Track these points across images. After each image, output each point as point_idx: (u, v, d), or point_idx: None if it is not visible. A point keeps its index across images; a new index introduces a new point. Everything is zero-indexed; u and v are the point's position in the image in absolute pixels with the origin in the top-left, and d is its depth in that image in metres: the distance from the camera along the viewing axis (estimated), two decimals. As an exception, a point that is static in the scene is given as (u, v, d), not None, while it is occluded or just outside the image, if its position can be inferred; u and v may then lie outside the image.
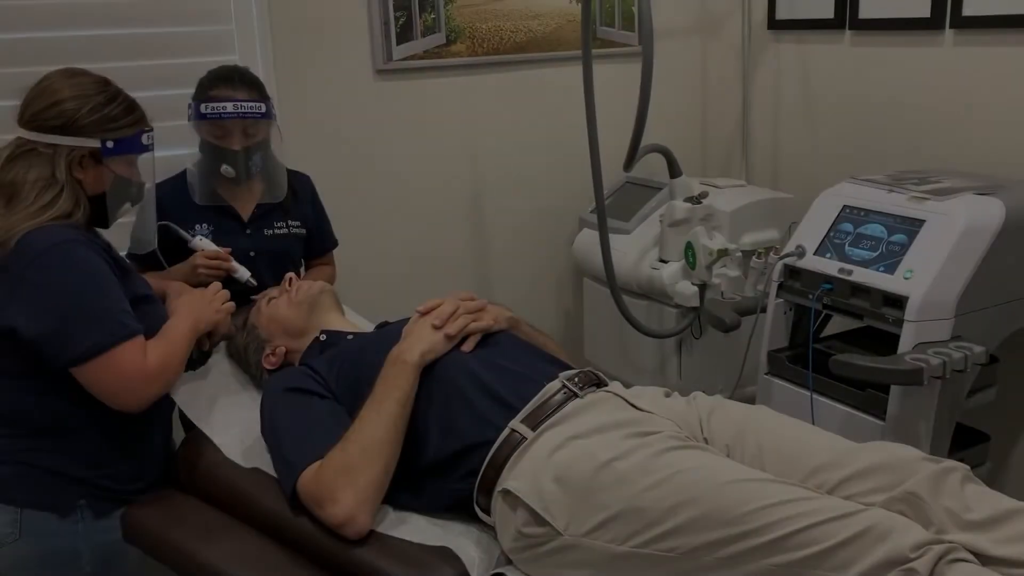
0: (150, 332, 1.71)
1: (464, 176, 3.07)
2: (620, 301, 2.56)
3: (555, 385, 1.58)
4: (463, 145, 3.04)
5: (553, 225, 3.24)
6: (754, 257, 2.38)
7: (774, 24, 3.08)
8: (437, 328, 1.68)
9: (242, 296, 2.11)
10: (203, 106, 2.14)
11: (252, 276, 2.21)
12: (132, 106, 1.76)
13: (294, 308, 1.96)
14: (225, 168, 2.19)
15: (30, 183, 1.65)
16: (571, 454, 1.43)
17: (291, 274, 2.05)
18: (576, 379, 1.60)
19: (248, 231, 2.30)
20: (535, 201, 3.19)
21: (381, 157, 2.92)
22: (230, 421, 1.86)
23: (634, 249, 2.81)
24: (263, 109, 2.19)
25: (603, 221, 2.49)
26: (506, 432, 1.51)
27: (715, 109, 3.37)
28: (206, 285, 2.03)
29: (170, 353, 1.72)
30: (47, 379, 1.65)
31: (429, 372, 1.63)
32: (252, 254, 2.27)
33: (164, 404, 1.85)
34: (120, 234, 1.93)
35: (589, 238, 3.01)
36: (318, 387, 1.72)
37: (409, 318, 1.81)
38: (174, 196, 2.22)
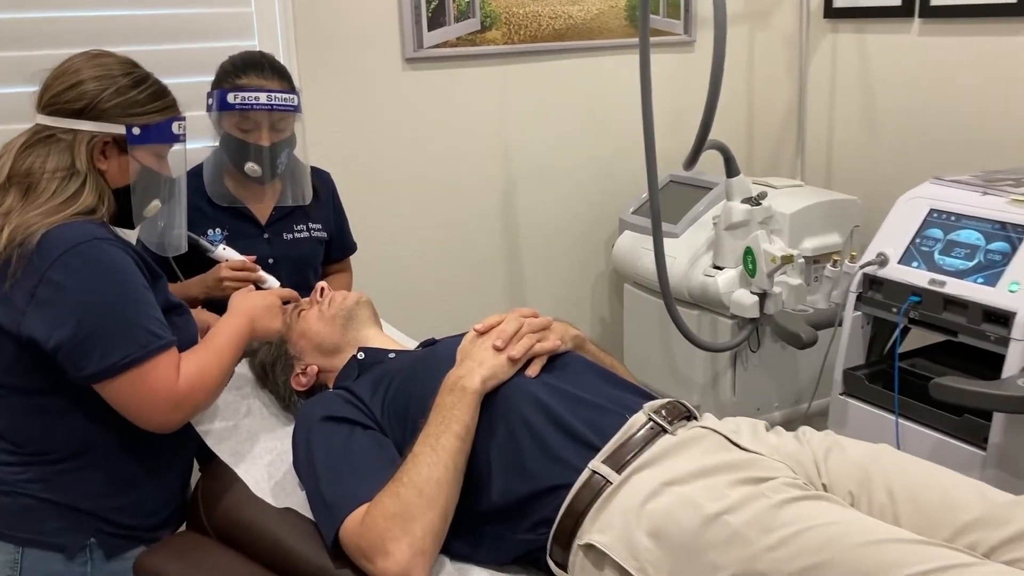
0: (182, 347, 1.51)
1: (497, 173, 2.85)
2: (676, 314, 2.34)
3: (640, 418, 1.36)
4: (496, 140, 2.83)
5: (591, 226, 3.02)
6: (828, 265, 2.16)
7: (831, 12, 2.87)
8: (499, 350, 1.46)
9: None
10: (231, 95, 1.92)
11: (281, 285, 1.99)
12: (162, 91, 1.57)
13: (327, 322, 1.74)
14: (250, 166, 1.97)
15: (48, 173, 1.46)
16: (669, 504, 1.21)
17: (322, 283, 1.83)
18: (663, 411, 1.38)
19: (266, 235, 2.08)
20: (572, 201, 2.98)
21: (408, 153, 2.70)
22: (257, 451, 1.64)
23: (684, 254, 2.59)
24: (295, 102, 1.98)
25: (658, 226, 2.27)
26: (586, 474, 1.30)
27: (763, 103, 3.15)
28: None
29: (210, 364, 1.51)
30: (69, 397, 1.46)
31: (490, 401, 1.41)
32: (271, 261, 2.05)
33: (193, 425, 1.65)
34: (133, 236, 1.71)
35: (631, 241, 2.80)
36: (361, 415, 1.50)
37: (460, 336, 1.59)
38: (189, 195, 2.00)
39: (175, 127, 1.58)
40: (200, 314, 1.85)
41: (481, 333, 1.51)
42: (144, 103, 1.52)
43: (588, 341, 1.64)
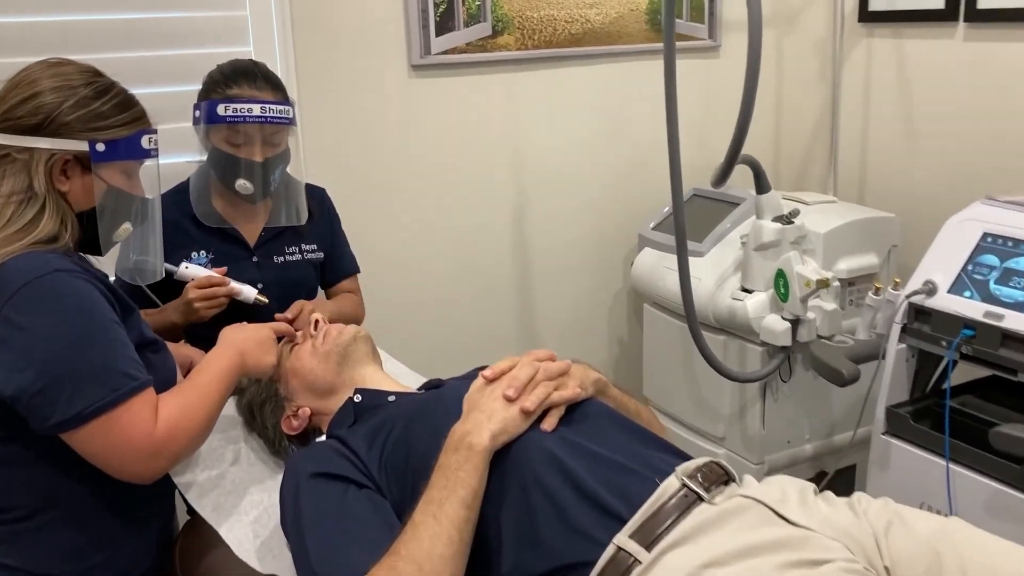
0: (160, 387, 1.36)
1: (509, 186, 2.68)
2: (702, 341, 2.16)
3: (672, 484, 1.19)
4: (508, 151, 2.66)
5: (608, 242, 2.85)
6: (870, 293, 1.98)
7: (867, 16, 2.68)
8: (510, 400, 1.29)
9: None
10: (221, 107, 1.77)
11: (261, 293, 1.86)
12: (129, 101, 1.42)
13: (321, 359, 1.58)
14: (241, 183, 1.81)
15: (3, 198, 1.32)
16: (709, 592, 1.04)
17: (318, 314, 1.67)
18: (699, 475, 1.21)
19: (255, 258, 1.93)
20: (588, 215, 2.81)
21: (415, 165, 2.54)
22: (244, 506, 1.49)
23: (709, 275, 2.42)
24: (290, 114, 1.83)
25: (683, 245, 2.10)
26: (610, 550, 1.13)
27: (791, 112, 2.97)
28: (210, 323, 1.66)
29: (194, 406, 1.36)
30: (32, 446, 1.31)
31: (501, 459, 1.25)
32: (260, 286, 1.90)
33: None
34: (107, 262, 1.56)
35: (652, 259, 2.62)
36: (355, 472, 1.34)
37: (468, 377, 1.42)
38: (167, 217, 1.85)
39: (145, 141, 1.42)
40: (181, 348, 1.70)
41: (490, 380, 1.34)
42: (108, 115, 1.37)
43: (610, 385, 1.47)
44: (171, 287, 1.80)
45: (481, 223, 2.66)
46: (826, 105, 2.84)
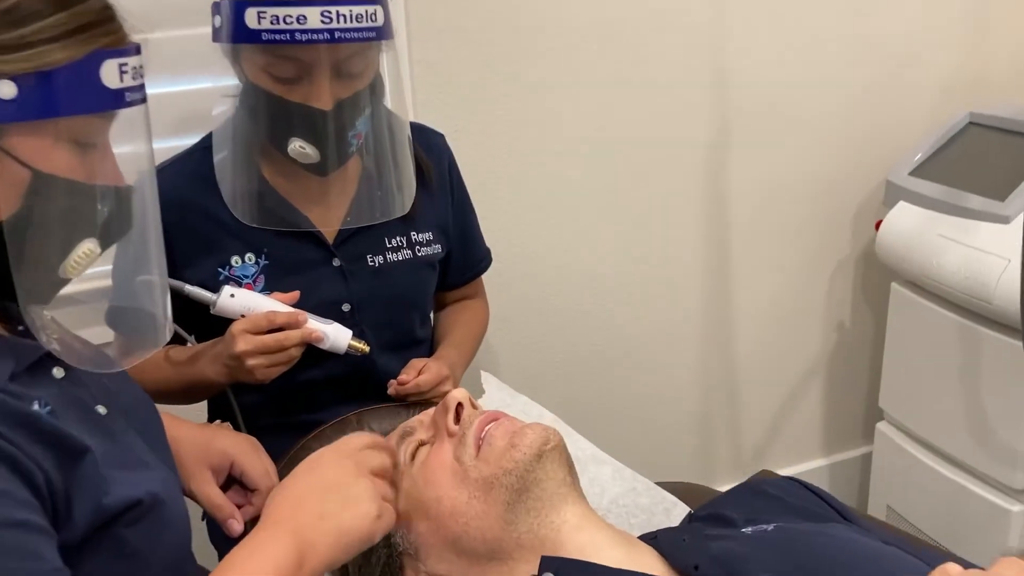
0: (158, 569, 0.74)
1: (702, 114, 1.85)
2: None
3: None
4: (704, 68, 1.82)
5: (837, 190, 2.01)
6: None
7: None
8: None
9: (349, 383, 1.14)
10: (254, 12, 1.00)
11: (357, 336, 1.14)
12: None
13: (476, 491, 0.84)
14: (297, 146, 1.06)
15: None
16: None
17: (460, 391, 0.90)
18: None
19: (336, 262, 1.18)
20: (810, 151, 1.97)
21: (565, 98, 1.72)
22: None
23: (1015, 249, 1.57)
24: (378, 20, 1.05)
25: None
26: None
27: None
28: (276, 389, 0.98)
29: None
30: None
31: None
32: (346, 308, 1.17)
33: None
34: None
35: (912, 219, 1.80)
36: None
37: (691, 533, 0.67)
38: (187, 201, 1.11)
39: (111, 72, 0.71)
40: (215, 439, 0.97)
41: None
42: (25, 19, 0.67)
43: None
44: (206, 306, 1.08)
45: (661, 168, 1.85)
46: None
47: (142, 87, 0.75)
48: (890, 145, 1.93)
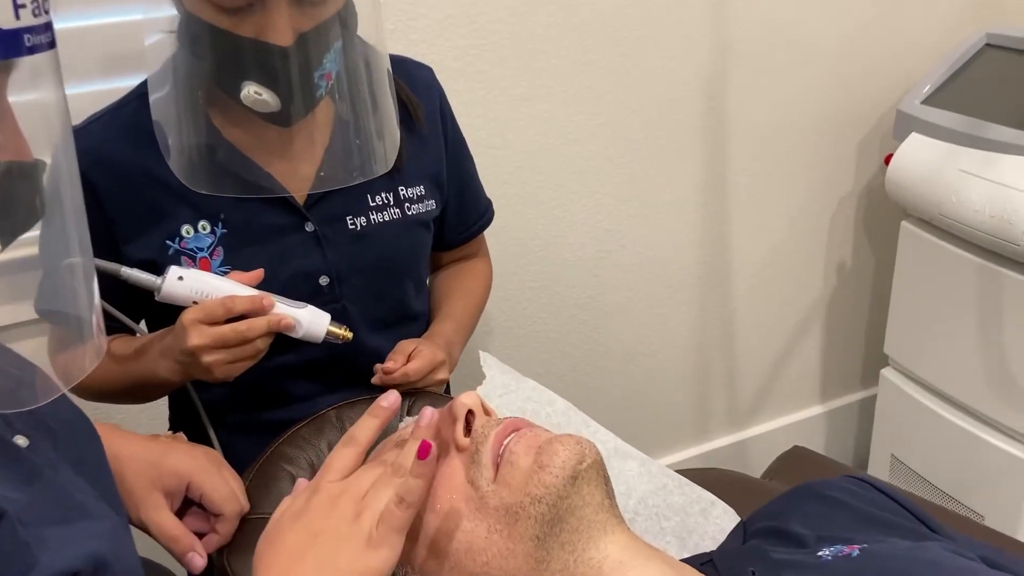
0: None
1: (700, 43, 1.66)
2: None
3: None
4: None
5: (843, 118, 1.85)
6: None
7: None
8: None
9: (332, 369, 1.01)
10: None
11: (338, 322, 0.97)
12: None
13: (497, 521, 0.68)
14: (250, 92, 0.86)
15: None
16: None
17: (470, 398, 0.74)
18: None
19: (309, 227, 1.00)
20: (815, 77, 1.80)
21: (547, 19, 1.52)
22: None
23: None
24: None
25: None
26: None
27: None
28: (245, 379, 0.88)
29: None
30: None
31: None
32: (324, 281, 1.00)
33: None
34: None
35: (927, 151, 1.67)
36: None
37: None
38: (122, 160, 0.92)
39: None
40: (170, 453, 0.82)
41: None
42: None
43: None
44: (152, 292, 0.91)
45: (659, 99, 1.67)
46: None
47: (49, 26, 0.56)
48: (899, 72, 1.78)
